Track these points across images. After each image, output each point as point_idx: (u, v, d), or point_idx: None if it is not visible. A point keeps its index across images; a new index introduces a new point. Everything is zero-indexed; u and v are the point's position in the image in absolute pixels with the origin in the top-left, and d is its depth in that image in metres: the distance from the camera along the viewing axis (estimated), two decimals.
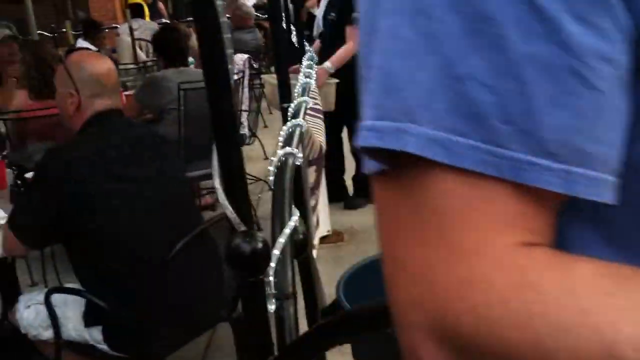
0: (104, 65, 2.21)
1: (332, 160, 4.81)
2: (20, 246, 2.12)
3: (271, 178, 1.53)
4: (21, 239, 2.09)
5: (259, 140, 5.65)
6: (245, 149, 5.44)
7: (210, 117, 1.08)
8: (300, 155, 1.67)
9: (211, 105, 1.06)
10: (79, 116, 2.13)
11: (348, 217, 4.75)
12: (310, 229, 2.23)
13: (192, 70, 4.21)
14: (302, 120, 2.04)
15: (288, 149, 1.64)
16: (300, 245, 1.40)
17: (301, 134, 1.92)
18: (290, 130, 1.89)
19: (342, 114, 4.59)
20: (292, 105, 2.30)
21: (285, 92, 2.40)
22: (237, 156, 1.11)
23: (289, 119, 2.18)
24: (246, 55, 5.45)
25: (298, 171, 1.97)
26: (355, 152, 4.82)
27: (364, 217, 4.73)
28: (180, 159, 2.30)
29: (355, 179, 4.96)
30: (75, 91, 2.11)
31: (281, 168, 1.55)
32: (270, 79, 4.59)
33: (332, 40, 4.59)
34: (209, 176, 4.31)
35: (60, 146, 2.26)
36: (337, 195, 4.86)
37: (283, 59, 2.51)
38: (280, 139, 1.86)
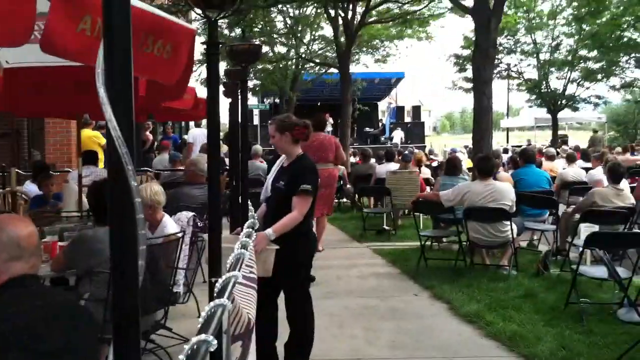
0: (25, 229, 2.16)
1: (265, 326, 4.71)
2: None
3: None
4: None
5: (195, 297, 5.52)
6: (180, 307, 5.32)
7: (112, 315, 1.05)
8: (215, 342, 1.62)
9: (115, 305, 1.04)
10: None
11: None
12: None
13: None
14: (226, 300, 2.02)
15: (202, 336, 1.60)
16: None
17: (221, 315, 1.89)
18: (211, 312, 1.85)
19: (279, 280, 4.60)
20: (220, 281, 2.27)
21: (215, 265, 2.38)
22: None
23: (215, 296, 2.15)
24: (191, 214, 5.49)
25: (218, 352, 1.90)
26: (292, 319, 4.78)
27: None
28: (94, 327, 2.20)
29: (287, 346, 4.82)
30: None
31: (190, 359, 1.49)
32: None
33: (278, 207, 4.65)
34: None
35: None
36: None
37: (217, 230, 2.51)
38: (200, 319, 1.83)
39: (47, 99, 5.51)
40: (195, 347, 1.54)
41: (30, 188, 7.47)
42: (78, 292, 4.09)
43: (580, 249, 6.48)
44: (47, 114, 9.73)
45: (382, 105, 38.43)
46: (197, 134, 14.94)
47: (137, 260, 1.04)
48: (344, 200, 15.00)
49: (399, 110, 34.24)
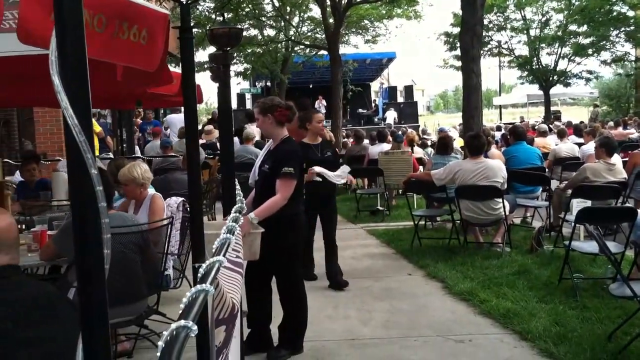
0: (3, 221, 2.14)
1: (258, 309, 4.76)
2: None
3: (158, 354, 1.46)
4: None
5: (188, 282, 5.51)
6: (173, 292, 5.33)
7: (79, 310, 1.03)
8: (195, 328, 1.61)
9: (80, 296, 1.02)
10: None
11: None
12: None
13: (115, 215, 4.17)
14: (209, 286, 2.00)
15: (182, 322, 1.57)
16: None
17: (204, 301, 1.87)
18: (193, 297, 1.84)
19: (269, 264, 4.63)
20: (204, 265, 2.25)
21: (198, 250, 2.36)
22: (105, 355, 1.05)
23: (198, 281, 2.13)
24: (181, 199, 5.47)
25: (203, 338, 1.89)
26: (285, 301, 4.80)
27: None
28: (75, 315, 2.20)
29: (281, 328, 4.86)
30: None
31: (170, 344, 1.47)
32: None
33: (263, 190, 4.67)
34: (128, 322, 4.10)
35: None
36: (260, 346, 4.76)
37: (198, 215, 2.49)
38: (182, 305, 1.81)
39: (31, 88, 5.46)
40: (174, 332, 1.52)
41: (19, 179, 7.43)
42: (67, 281, 4.09)
43: (573, 224, 6.48)
44: (32, 104, 9.67)
45: (375, 85, 38.36)
46: (173, 120, 15.16)
47: (102, 250, 1.02)
48: None
49: (392, 91, 34.16)
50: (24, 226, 5.61)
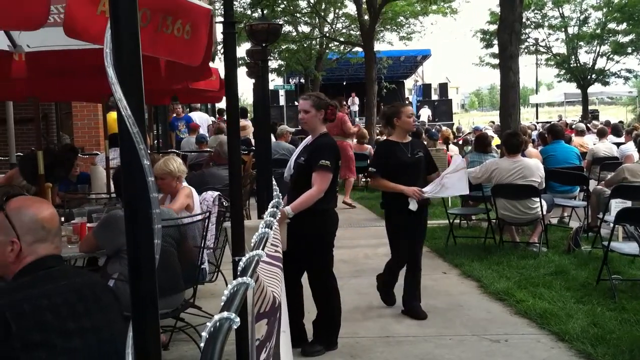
0: (46, 210, 2.16)
1: (290, 305, 4.74)
2: None
3: (202, 345, 1.48)
4: None
5: (223, 276, 5.55)
6: (209, 286, 5.38)
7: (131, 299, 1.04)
8: (238, 320, 1.61)
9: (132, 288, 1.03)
10: (17, 263, 2.06)
11: None
12: None
13: None
14: (249, 279, 2.01)
15: (225, 314, 1.58)
16: None
17: (245, 293, 1.88)
18: (234, 290, 1.85)
19: (301, 258, 4.64)
20: (244, 259, 2.26)
21: (238, 244, 2.37)
22: (155, 342, 1.06)
23: (238, 274, 2.14)
24: (217, 193, 5.52)
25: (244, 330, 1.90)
26: (317, 297, 4.79)
27: None
28: (119, 306, 2.21)
29: (315, 324, 4.86)
30: (17, 239, 2.05)
31: (214, 335, 1.49)
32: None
33: (298, 183, 4.68)
34: (165, 315, 4.12)
35: None
36: (294, 341, 4.75)
37: (239, 207, 2.50)
38: (223, 297, 1.82)
39: (70, 82, 5.54)
40: (218, 324, 1.53)
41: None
42: (107, 272, 4.15)
43: (612, 225, 6.37)
44: (71, 98, 9.82)
45: (409, 83, 38.19)
46: (194, 118, 15.31)
47: (152, 240, 1.03)
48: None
49: (426, 88, 33.98)
50: (63, 218, 5.71)
